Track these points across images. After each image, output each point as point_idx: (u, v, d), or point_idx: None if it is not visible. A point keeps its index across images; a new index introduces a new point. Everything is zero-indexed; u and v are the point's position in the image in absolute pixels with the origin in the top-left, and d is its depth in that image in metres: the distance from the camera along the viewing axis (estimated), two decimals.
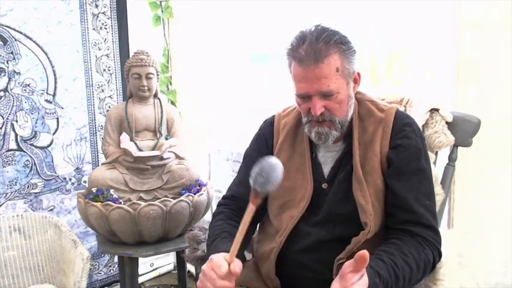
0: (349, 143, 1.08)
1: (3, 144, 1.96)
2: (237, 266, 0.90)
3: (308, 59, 0.97)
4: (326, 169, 1.11)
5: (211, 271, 0.91)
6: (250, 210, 0.86)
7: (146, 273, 2.48)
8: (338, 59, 0.98)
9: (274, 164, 0.83)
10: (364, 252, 0.78)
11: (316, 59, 0.96)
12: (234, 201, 1.21)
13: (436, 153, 1.33)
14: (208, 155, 2.47)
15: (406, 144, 1.03)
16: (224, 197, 1.24)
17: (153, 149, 1.74)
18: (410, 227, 0.99)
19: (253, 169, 0.84)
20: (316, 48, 0.96)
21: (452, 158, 1.31)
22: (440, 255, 1.02)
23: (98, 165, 2.18)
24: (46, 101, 2.06)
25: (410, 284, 0.97)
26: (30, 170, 2.04)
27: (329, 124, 1.03)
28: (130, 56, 1.80)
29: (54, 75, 2.07)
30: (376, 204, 1.02)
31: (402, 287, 0.93)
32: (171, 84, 2.53)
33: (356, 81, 1.07)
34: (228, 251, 0.96)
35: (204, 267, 0.93)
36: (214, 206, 2.30)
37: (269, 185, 0.82)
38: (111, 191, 1.64)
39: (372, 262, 0.90)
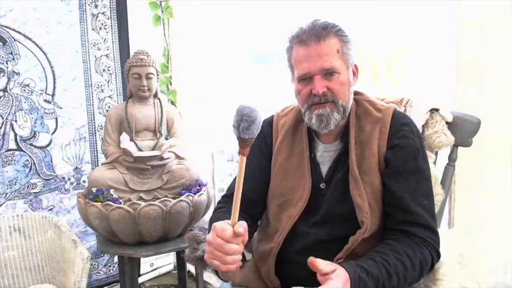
0: (346, 143, 1.08)
1: (2, 144, 1.96)
2: (241, 226, 0.88)
3: (310, 38, 1.01)
4: (324, 169, 1.11)
5: (216, 238, 0.88)
6: (242, 161, 0.85)
7: (146, 273, 2.48)
8: (338, 42, 1.02)
9: (252, 107, 0.81)
10: (311, 259, 0.85)
11: (318, 38, 1.01)
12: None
13: (436, 153, 1.33)
14: (212, 155, 2.47)
15: (403, 144, 1.03)
16: (224, 196, 1.24)
17: (153, 149, 1.74)
18: (408, 228, 0.99)
19: (233, 120, 0.82)
20: (317, 29, 1.01)
21: (452, 158, 1.31)
22: (439, 255, 1.02)
23: (97, 165, 2.18)
24: (45, 101, 2.06)
25: (407, 283, 0.96)
26: (30, 170, 2.04)
27: (331, 106, 1.03)
28: (130, 56, 1.80)
29: (53, 75, 2.07)
30: (373, 203, 1.02)
31: (398, 285, 0.93)
32: (171, 84, 2.53)
33: (354, 73, 1.08)
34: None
35: (208, 237, 0.91)
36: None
37: (254, 126, 0.80)
38: (111, 191, 1.64)
39: (362, 261, 0.91)
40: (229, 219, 1.08)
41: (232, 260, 0.88)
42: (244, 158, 0.84)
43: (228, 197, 1.23)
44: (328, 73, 1.01)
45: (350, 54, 1.05)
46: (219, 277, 1.02)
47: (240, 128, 0.80)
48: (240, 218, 1.14)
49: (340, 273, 0.85)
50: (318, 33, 1.01)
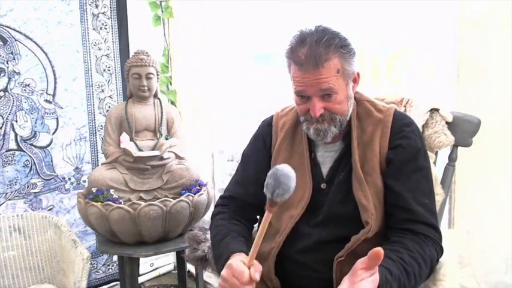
0: (348, 143, 1.09)
1: (3, 144, 1.96)
2: (257, 271, 0.90)
3: (308, 63, 0.96)
4: (325, 169, 1.11)
5: (232, 277, 0.90)
6: (268, 217, 0.85)
7: (146, 273, 2.48)
8: (338, 63, 0.98)
9: (289, 173, 0.82)
10: (379, 250, 0.78)
11: (316, 64, 0.96)
12: (232, 201, 1.21)
13: (436, 153, 1.33)
14: (212, 155, 2.47)
15: (405, 145, 1.03)
16: (222, 197, 1.24)
17: (153, 149, 1.74)
18: (411, 226, 0.99)
19: (267, 181, 0.82)
20: (317, 52, 0.95)
21: (452, 158, 1.31)
22: (442, 251, 1.02)
23: (98, 165, 2.19)
24: (46, 101, 2.06)
25: (422, 280, 0.96)
26: (30, 170, 2.04)
27: (329, 121, 1.03)
28: (131, 56, 1.80)
29: (54, 75, 2.07)
30: (376, 204, 1.02)
31: (413, 283, 0.92)
32: (171, 84, 2.53)
33: (355, 80, 1.07)
34: (240, 251, 0.98)
35: (223, 273, 0.93)
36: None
37: (287, 194, 0.82)
38: (111, 191, 1.64)
39: (382, 261, 0.90)
40: (233, 230, 1.08)
41: None
42: (270, 215, 0.85)
43: (226, 199, 1.22)
44: (326, 94, 0.99)
45: (351, 68, 1.01)
46: None
47: (274, 193, 0.81)
48: (237, 221, 1.15)
49: (376, 276, 0.83)
50: (316, 58, 0.95)
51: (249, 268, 0.90)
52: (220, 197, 1.24)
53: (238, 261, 0.92)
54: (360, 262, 0.82)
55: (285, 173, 0.81)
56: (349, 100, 1.04)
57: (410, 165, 1.02)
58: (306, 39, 0.98)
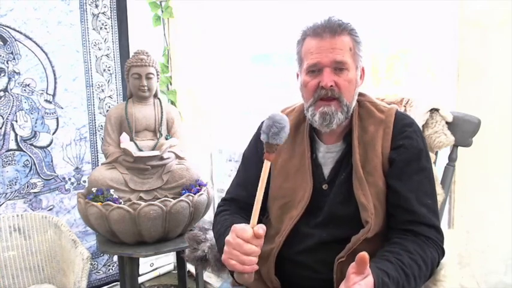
0: (349, 143, 1.08)
1: (3, 144, 1.96)
2: (261, 227, 0.89)
3: (324, 32, 1.02)
4: (326, 170, 1.11)
5: (236, 238, 0.89)
6: (266, 166, 0.88)
7: (146, 273, 2.48)
8: (351, 41, 1.03)
9: (283, 116, 0.88)
10: (364, 254, 0.79)
11: (333, 33, 1.02)
12: (234, 203, 1.21)
13: (436, 153, 1.33)
14: (210, 155, 2.47)
15: (407, 145, 1.04)
16: (223, 199, 1.24)
17: (153, 149, 1.74)
18: (413, 227, 0.99)
19: (264, 125, 0.88)
20: (333, 26, 1.03)
21: (452, 158, 1.31)
22: (443, 253, 1.02)
23: (98, 165, 2.19)
24: (46, 101, 2.06)
25: (422, 282, 0.96)
26: (30, 170, 2.04)
27: (336, 104, 1.03)
28: (131, 56, 1.81)
29: (54, 75, 2.07)
30: (377, 204, 1.02)
31: (413, 285, 0.92)
32: (171, 84, 2.53)
33: (361, 76, 1.09)
34: None
35: (227, 237, 0.92)
36: (216, 206, 2.30)
37: (282, 133, 0.87)
38: (111, 191, 1.64)
39: (380, 263, 0.90)
40: (236, 222, 1.09)
41: (249, 261, 0.89)
42: (269, 163, 0.88)
43: (228, 201, 1.22)
44: (338, 68, 1.02)
45: (360, 55, 1.06)
46: (234, 279, 1.00)
47: (269, 133, 0.86)
48: (240, 216, 1.15)
49: (369, 279, 0.83)
50: (333, 29, 1.02)
51: (253, 228, 0.89)
52: (222, 199, 1.25)
53: (241, 224, 0.92)
54: (351, 267, 0.83)
55: (278, 114, 0.89)
56: (356, 86, 1.06)
57: (412, 166, 1.03)
58: (320, 20, 1.05)
